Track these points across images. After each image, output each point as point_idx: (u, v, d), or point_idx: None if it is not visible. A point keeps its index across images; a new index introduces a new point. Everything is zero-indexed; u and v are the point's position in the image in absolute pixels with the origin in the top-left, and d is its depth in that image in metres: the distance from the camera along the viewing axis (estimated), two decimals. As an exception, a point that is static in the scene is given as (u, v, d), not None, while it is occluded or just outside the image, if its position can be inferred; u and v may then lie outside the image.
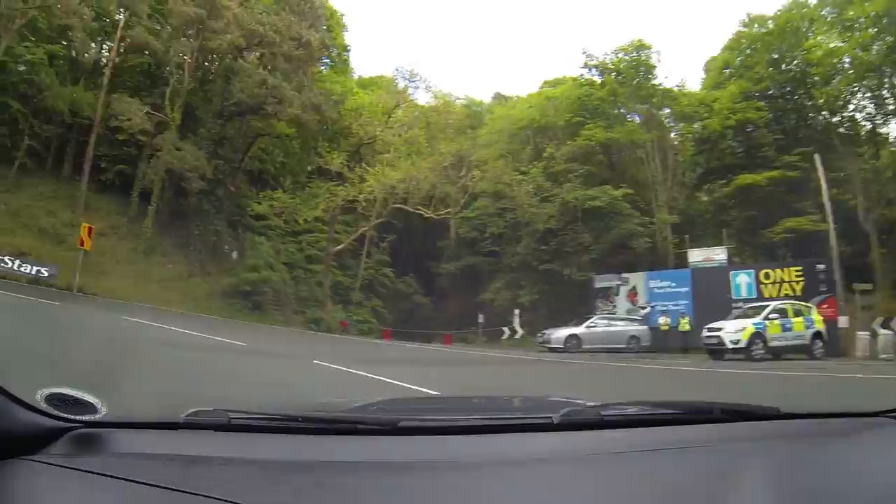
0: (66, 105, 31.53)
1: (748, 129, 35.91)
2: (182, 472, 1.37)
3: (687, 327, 25.16)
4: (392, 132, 37.12)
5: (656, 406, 2.02)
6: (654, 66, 38.13)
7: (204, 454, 1.50)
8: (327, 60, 44.81)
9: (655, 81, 38.32)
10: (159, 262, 30.86)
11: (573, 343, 24.64)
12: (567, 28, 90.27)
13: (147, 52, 34.04)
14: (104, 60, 34.89)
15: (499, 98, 53.77)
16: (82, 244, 24.63)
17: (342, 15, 46.34)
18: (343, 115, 37.98)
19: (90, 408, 1.59)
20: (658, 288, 30.40)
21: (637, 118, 39.60)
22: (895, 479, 1.43)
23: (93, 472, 1.32)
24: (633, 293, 31.46)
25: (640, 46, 38.07)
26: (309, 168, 39.80)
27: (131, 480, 1.26)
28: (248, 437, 1.65)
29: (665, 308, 28.31)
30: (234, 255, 34.33)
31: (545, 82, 47.48)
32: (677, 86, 39.33)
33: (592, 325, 26.21)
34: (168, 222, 32.78)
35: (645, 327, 27.48)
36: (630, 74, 38.31)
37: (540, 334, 26.60)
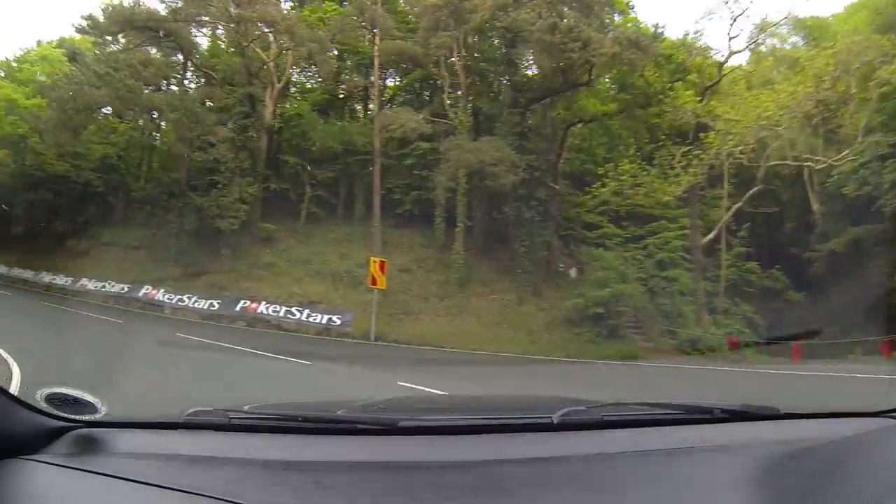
0: (341, 145, 29.50)
1: None
2: (182, 472, 1.38)
3: None
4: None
5: (656, 407, 1.95)
6: None
7: (204, 454, 1.50)
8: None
9: None
10: (479, 293, 24.46)
11: None
12: None
13: (409, 63, 30.06)
14: (371, 89, 31.54)
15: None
16: (374, 283, 20.79)
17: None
18: (674, 54, 27.90)
19: (90, 408, 1.59)
20: None
21: None
22: (894, 479, 1.36)
23: (93, 472, 1.32)
24: None
25: None
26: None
27: (131, 480, 1.27)
28: (248, 437, 1.66)
29: None
30: (573, 272, 26.71)
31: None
32: None
33: None
34: (483, 245, 26.57)
35: None
36: None
37: None
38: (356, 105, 33.97)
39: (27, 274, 29.65)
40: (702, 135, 24.35)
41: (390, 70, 32.50)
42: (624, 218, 28.32)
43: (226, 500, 1.17)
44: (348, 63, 32.18)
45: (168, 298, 23.82)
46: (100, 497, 1.28)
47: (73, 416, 1.56)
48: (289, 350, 15.33)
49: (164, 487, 1.25)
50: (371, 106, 31.91)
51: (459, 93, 28.31)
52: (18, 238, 33.15)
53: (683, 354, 22.57)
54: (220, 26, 29.97)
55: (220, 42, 32.53)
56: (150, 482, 1.26)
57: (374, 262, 20.97)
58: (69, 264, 28.56)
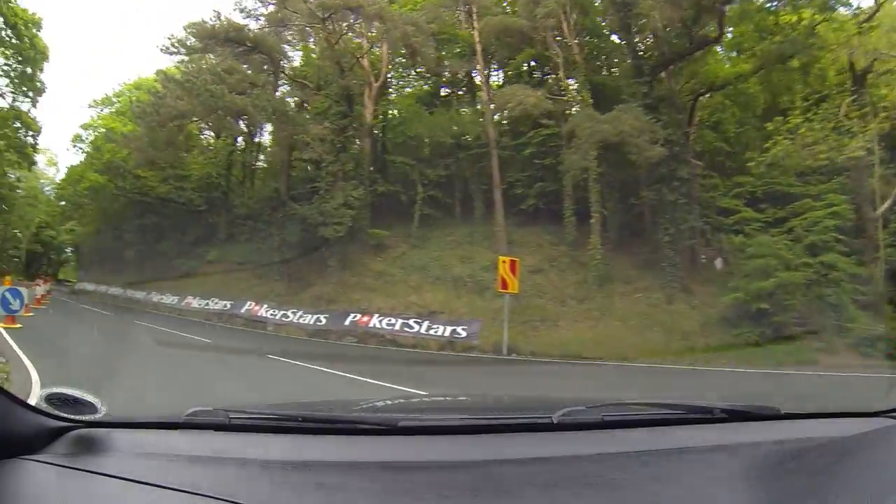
0: (451, 139, 27.23)
1: None
2: (182, 472, 1.37)
3: None
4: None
5: (656, 407, 1.96)
6: None
7: (204, 454, 1.49)
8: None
9: None
10: (621, 293, 21.02)
11: None
12: None
13: (516, 41, 26.93)
14: (476, 73, 29.00)
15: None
16: (505, 287, 17.69)
17: None
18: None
19: (90, 408, 1.57)
20: None
21: None
22: (895, 478, 1.35)
23: (93, 472, 1.32)
24: None
25: None
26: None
27: (131, 480, 1.27)
28: (248, 437, 1.65)
29: None
30: (718, 263, 22.91)
31: None
32: None
33: None
34: (618, 237, 23.28)
35: None
36: None
37: None
38: (462, 98, 31.43)
39: (139, 295, 30.53)
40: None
41: (494, 59, 29.46)
42: (761, 200, 24.41)
43: (226, 500, 1.16)
44: (448, 56, 29.51)
45: (271, 314, 22.35)
46: (99, 497, 1.27)
47: (73, 416, 1.53)
48: (404, 373, 13.18)
49: (164, 487, 1.23)
50: (479, 95, 29.25)
51: (570, 67, 25.10)
52: (131, 261, 34.89)
53: (867, 357, 18.29)
54: (308, 30, 28.44)
55: (311, 52, 31.06)
56: (150, 482, 1.25)
57: (504, 262, 17.77)
58: (176, 284, 28.85)
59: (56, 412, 1.51)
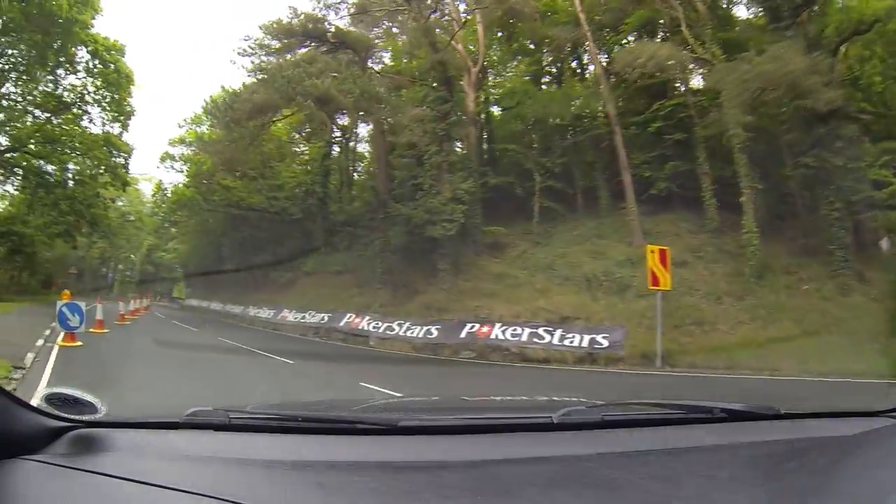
0: (566, 121, 24.60)
1: None
2: (182, 472, 1.36)
3: None
4: None
5: (657, 406, 1.95)
6: None
7: (204, 454, 1.49)
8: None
9: None
10: (786, 285, 17.37)
11: None
12: None
13: (627, 4, 23.52)
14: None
15: None
16: (656, 283, 14.67)
17: None
18: None
19: (90, 408, 1.55)
20: None
21: None
22: (895, 478, 1.34)
23: (93, 472, 1.31)
24: None
25: None
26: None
27: (131, 480, 1.26)
28: (248, 437, 1.64)
29: None
30: (884, 243, 19.20)
31: None
32: None
33: None
34: (767, 218, 19.52)
35: None
36: None
37: None
38: (569, 80, 28.07)
39: (236, 309, 29.89)
40: None
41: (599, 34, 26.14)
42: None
43: (226, 500, 1.15)
44: (549, 27, 26.35)
45: (373, 327, 20.09)
46: (100, 497, 1.25)
47: (73, 416, 1.52)
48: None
49: (164, 487, 1.22)
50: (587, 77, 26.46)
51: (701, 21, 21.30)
52: (229, 275, 34.67)
53: None
54: (394, 29, 27.00)
55: (400, 49, 29.30)
56: (150, 482, 1.24)
57: (652, 252, 14.60)
58: (273, 297, 28.05)
59: (56, 412, 1.48)
